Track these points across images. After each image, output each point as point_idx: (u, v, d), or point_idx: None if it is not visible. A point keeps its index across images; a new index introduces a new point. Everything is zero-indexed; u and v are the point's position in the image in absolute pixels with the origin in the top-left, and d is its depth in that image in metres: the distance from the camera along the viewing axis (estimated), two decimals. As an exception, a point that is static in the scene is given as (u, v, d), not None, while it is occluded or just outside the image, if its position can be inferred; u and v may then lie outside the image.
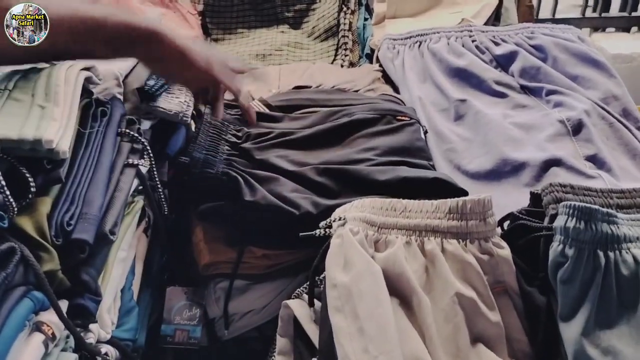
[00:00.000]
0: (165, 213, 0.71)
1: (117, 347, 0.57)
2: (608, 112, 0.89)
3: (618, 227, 0.57)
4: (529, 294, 0.58)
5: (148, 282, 0.71)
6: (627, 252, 0.56)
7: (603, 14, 2.23)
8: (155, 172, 0.69)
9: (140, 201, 0.68)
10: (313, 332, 0.62)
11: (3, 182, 0.48)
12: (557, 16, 2.21)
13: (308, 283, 0.64)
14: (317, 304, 0.64)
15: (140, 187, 0.68)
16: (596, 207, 0.56)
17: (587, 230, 0.55)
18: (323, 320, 0.59)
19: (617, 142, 0.86)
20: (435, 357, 0.53)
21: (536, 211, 0.62)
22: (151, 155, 0.67)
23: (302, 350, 0.62)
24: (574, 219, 0.56)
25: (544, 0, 2.20)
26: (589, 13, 2.23)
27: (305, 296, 0.65)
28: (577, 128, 0.85)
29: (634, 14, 2.20)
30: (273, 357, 0.66)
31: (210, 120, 0.84)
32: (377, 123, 0.86)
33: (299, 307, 0.64)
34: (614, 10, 2.28)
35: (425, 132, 0.91)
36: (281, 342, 0.65)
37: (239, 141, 0.83)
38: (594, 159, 0.82)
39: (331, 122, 0.86)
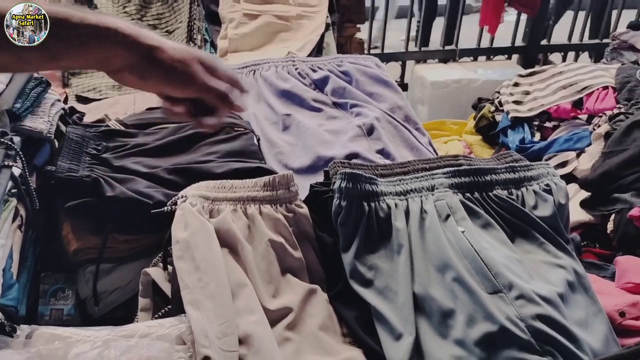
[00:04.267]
0: (37, 208, 0.87)
1: (3, 311, 0.73)
2: (394, 118, 1.21)
3: (377, 186, 0.86)
4: (321, 237, 0.84)
5: (24, 269, 0.86)
6: (383, 202, 0.85)
7: (423, 49, 2.72)
8: (27, 174, 0.85)
9: (14, 200, 0.84)
10: (167, 288, 0.83)
11: None
12: (386, 51, 2.65)
13: (162, 253, 0.85)
14: (170, 268, 0.85)
15: (14, 190, 0.85)
16: (360, 172, 0.84)
17: (354, 189, 0.83)
18: (174, 276, 0.80)
19: (400, 139, 1.18)
20: (254, 283, 0.77)
21: (327, 182, 0.89)
22: (23, 159, 0.84)
23: (159, 303, 0.83)
24: (346, 182, 0.83)
25: (374, 36, 2.63)
26: (412, 48, 2.70)
27: (161, 264, 0.86)
28: (370, 130, 1.16)
29: (447, 47, 2.71)
30: (137, 316, 0.85)
31: (72, 137, 1.02)
32: (217, 133, 1.10)
33: (155, 272, 0.85)
34: (436, 44, 2.79)
35: (258, 140, 1.16)
36: (143, 302, 0.84)
37: (99, 153, 1.02)
38: (382, 152, 1.14)
39: (179, 134, 1.08)
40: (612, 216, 1.27)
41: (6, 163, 0.81)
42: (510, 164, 0.91)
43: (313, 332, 0.75)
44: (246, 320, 0.71)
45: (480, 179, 0.88)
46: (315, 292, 0.80)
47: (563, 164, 1.48)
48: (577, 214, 1.36)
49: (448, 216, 0.83)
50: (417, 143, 1.17)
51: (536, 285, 0.77)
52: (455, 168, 0.89)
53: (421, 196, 0.85)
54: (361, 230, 0.82)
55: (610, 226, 1.27)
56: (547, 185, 0.90)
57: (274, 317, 0.75)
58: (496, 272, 0.76)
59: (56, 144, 1.03)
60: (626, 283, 1.05)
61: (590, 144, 1.45)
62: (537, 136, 1.60)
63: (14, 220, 0.86)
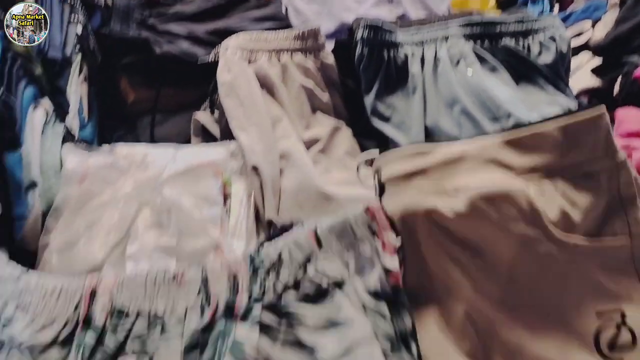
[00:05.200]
0: (98, 61, 1.02)
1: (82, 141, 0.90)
2: (414, -14, 1.30)
3: (396, 36, 0.97)
4: (345, 83, 0.98)
5: (92, 116, 1.03)
6: (400, 51, 0.97)
7: None
8: (89, 31, 0.99)
9: (79, 55, 0.99)
10: (215, 129, 0.98)
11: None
12: None
13: (209, 99, 1.00)
14: (216, 112, 1.00)
15: (78, 46, 0.99)
16: (380, 23, 0.96)
17: (375, 38, 0.95)
18: (221, 115, 0.96)
19: (420, 5, 1.28)
20: (291, 118, 0.91)
21: (351, 38, 1.01)
22: (86, 15, 0.98)
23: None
24: (367, 31, 0.95)
25: None
26: None
27: (208, 109, 1.01)
28: (391, -3, 1.26)
29: None
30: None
31: (119, 6, 1.15)
32: (249, 1, 1.21)
33: (203, 117, 1.00)
34: None
35: (286, 9, 1.27)
36: (195, 140, 1.00)
37: (144, 19, 1.14)
38: (402, 17, 1.24)
39: (213, 3, 1.20)
40: (619, 79, 1.37)
41: (72, 19, 0.95)
42: (519, 18, 1.01)
43: (339, 156, 0.90)
44: (284, 142, 0.86)
45: (490, 30, 0.99)
46: (341, 128, 0.95)
47: (578, 35, 1.56)
48: (587, 81, 1.46)
49: (459, 61, 0.95)
50: (436, 8, 1.27)
51: (533, 116, 0.90)
52: (468, 20, 1.00)
53: (435, 44, 0.97)
54: (381, 75, 0.95)
55: (616, 88, 1.37)
56: (552, 36, 1.00)
57: (307, 146, 0.91)
58: (498, 105, 0.89)
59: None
60: (622, 131, 1.17)
61: (606, 13, 1.52)
62: (556, 8, 1.66)
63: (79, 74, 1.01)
